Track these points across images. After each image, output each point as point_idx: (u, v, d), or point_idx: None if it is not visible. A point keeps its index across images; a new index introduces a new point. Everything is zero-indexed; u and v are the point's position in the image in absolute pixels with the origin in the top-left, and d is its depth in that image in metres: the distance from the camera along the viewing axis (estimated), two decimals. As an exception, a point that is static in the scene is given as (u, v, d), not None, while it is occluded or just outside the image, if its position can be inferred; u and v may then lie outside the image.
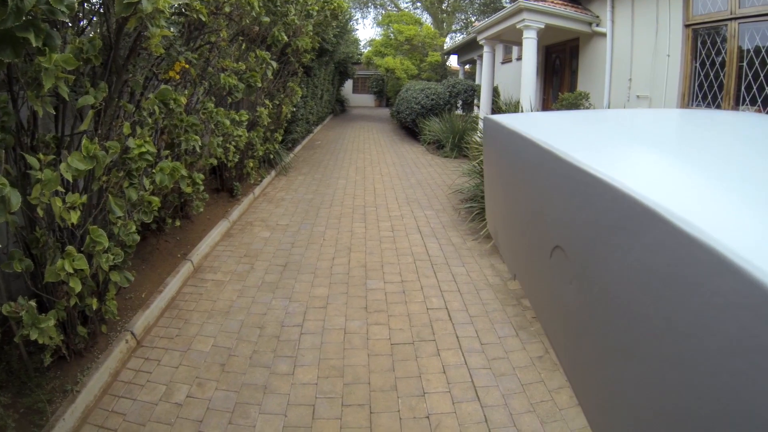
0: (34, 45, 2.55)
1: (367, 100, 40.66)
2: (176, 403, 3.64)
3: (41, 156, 3.09)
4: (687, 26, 7.94)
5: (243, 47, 7.40)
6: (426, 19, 34.78)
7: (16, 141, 3.26)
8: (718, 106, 7.14)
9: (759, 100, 6.48)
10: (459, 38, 29.22)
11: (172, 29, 4.79)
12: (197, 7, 4.58)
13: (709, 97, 7.43)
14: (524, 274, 1.03)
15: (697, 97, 7.73)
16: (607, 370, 0.63)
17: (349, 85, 37.60)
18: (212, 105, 6.23)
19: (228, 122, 6.44)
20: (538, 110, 11.66)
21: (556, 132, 1.03)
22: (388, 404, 3.69)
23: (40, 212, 3.14)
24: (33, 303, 3.15)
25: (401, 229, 7.71)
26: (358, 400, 3.71)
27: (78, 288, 3.37)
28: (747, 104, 6.67)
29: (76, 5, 2.95)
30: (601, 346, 0.64)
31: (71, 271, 3.28)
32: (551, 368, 4.22)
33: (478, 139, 8.88)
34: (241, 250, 6.53)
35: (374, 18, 44.00)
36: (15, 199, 2.66)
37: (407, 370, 4.10)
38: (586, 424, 3.57)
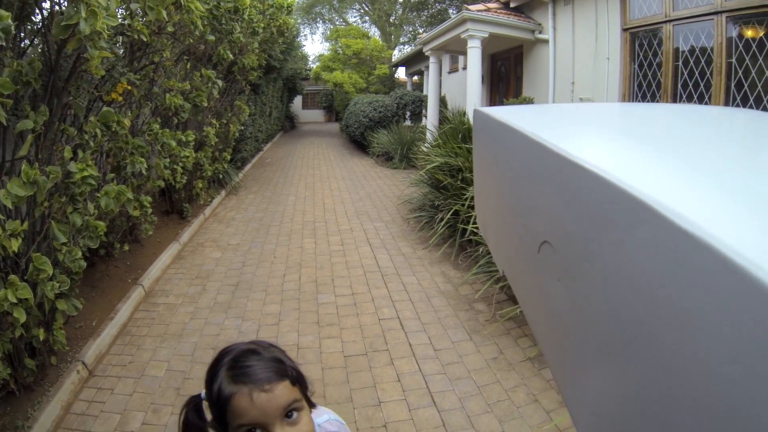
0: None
1: (316, 115, 40.33)
2: None
3: (-21, 183, 2.97)
4: (625, 30, 8.13)
5: (188, 66, 7.24)
6: (374, 32, 34.86)
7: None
8: None
9: (695, 97, 6.67)
10: (407, 50, 29.21)
11: (115, 49, 4.68)
12: (138, 27, 4.44)
13: (648, 96, 7.64)
14: (512, 270, 1.00)
15: (637, 96, 7.94)
16: (595, 370, 0.61)
17: (298, 101, 37.34)
18: (158, 126, 6.04)
19: (174, 143, 6.25)
20: None
21: (546, 124, 1.02)
22: (345, 416, 3.54)
23: (-21, 240, 3.00)
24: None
25: (351, 242, 7.66)
26: (314, 414, 3.64)
27: (23, 318, 3.18)
28: (684, 101, 6.86)
29: (12, 29, 2.84)
30: (589, 346, 0.62)
31: (15, 300, 3.11)
32: (506, 368, 4.24)
33: (425, 149, 8.89)
34: (192, 272, 6.38)
35: (322, 33, 44.04)
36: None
37: (362, 381, 4.05)
38: (545, 419, 3.64)
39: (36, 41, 3.89)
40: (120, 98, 4.73)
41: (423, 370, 4.22)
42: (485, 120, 1.11)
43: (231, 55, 8.01)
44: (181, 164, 6.96)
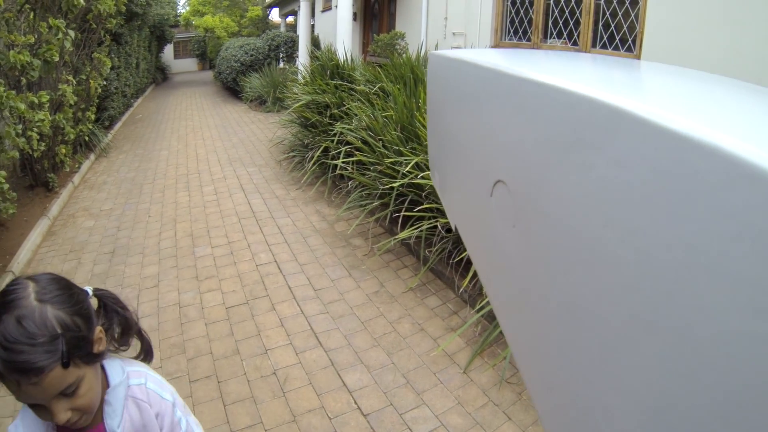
0: None
1: (189, 64, 37.75)
2: None
3: None
4: None
5: (33, 17, 6.34)
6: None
7: None
8: (528, 39, 7.39)
9: (564, 34, 6.75)
10: None
11: None
12: None
13: (520, 32, 7.62)
14: (464, 224, 0.94)
15: (509, 32, 7.90)
16: (555, 330, 0.54)
17: (169, 50, 34.30)
18: (2, 89, 5.19)
19: (24, 106, 5.41)
20: (356, 54, 11.56)
21: (505, 59, 0.91)
22: (234, 370, 3.51)
23: None
24: None
25: (225, 191, 7.39)
26: (204, 372, 3.49)
27: None
28: (554, 38, 6.95)
29: None
30: (547, 301, 0.55)
31: None
32: (389, 301, 4.25)
33: (295, 90, 8.64)
34: (66, 247, 5.87)
35: None
36: None
37: (246, 331, 3.93)
38: (433, 346, 3.65)
39: None
40: None
41: (305, 311, 4.15)
42: (440, 62, 1.06)
43: (83, 1, 7.01)
44: (36, 130, 6.18)
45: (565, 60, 1.05)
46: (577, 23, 6.47)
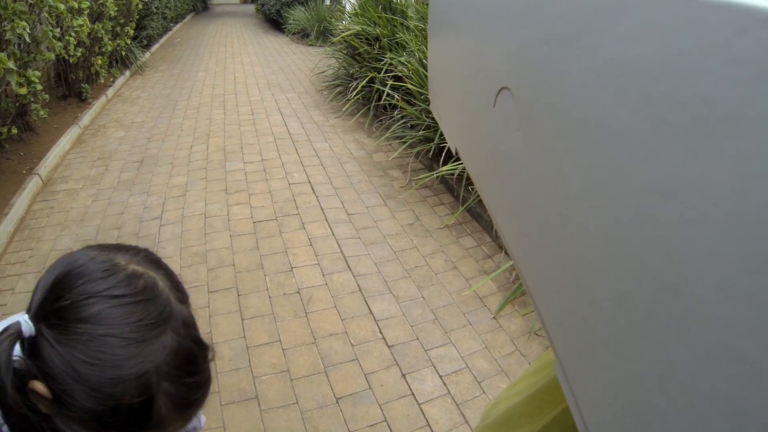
0: None
1: (231, -5, 37.70)
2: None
3: None
4: None
5: None
6: None
7: None
8: None
9: None
10: None
11: None
12: None
13: None
14: (465, 142, 0.90)
15: None
16: (563, 228, 0.50)
17: (211, -20, 34.94)
18: None
19: (63, 7, 5.31)
20: None
21: None
22: (256, 284, 3.36)
23: None
24: None
25: (261, 112, 7.22)
26: (224, 284, 3.35)
27: None
28: None
29: None
30: (555, 196, 0.51)
31: None
32: (423, 235, 4.06)
33: (344, 23, 8.44)
34: (94, 154, 5.75)
35: None
36: None
37: (272, 247, 3.77)
38: (465, 286, 3.47)
39: None
40: None
41: (336, 234, 3.99)
42: None
43: None
44: (74, 35, 6.09)
45: None
46: None
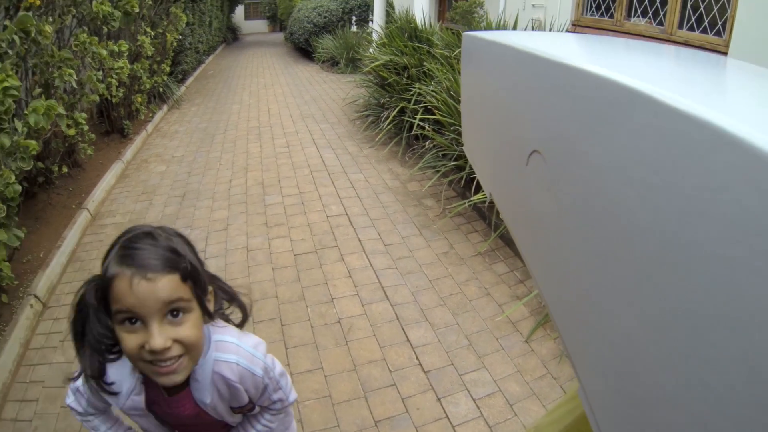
0: None
1: (260, 26, 38.45)
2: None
3: None
4: None
5: None
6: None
7: None
8: (611, 16, 7.08)
9: (650, 12, 6.40)
10: None
11: None
12: None
13: (603, 7, 7.31)
14: (499, 189, 1.00)
15: (591, 7, 7.57)
16: (586, 277, 0.60)
17: (240, 11, 35.39)
18: (85, 36, 5.51)
19: (105, 53, 5.74)
20: (433, 20, 11.41)
21: (533, 42, 0.96)
22: (298, 315, 3.56)
23: None
24: None
25: (297, 144, 7.45)
26: (268, 315, 3.56)
27: None
28: (638, 16, 6.61)
29: None
30: (579, 251, 0.62)
31: None
32: (457, 263, 4.20)
33: (371, 51, 8.67)
34: (138, 189, 6.06)
35: None
36: None
37: (313, 279, 3.97)
38: (497, 312, 3.60)
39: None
40: (38, 2, 4.32)
41: (374, 264, 4.15)
42: (475, 42, 1.13)
43: None
44: (115, 76, 6.48)
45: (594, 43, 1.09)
46: (664, 2, 6.13)
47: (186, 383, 1.28)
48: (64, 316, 3.75)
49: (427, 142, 5.85)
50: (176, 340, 1.12)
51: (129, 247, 1.12)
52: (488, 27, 7.04)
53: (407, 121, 6.50)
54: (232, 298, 1.39)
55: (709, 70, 0.79)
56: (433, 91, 5.85)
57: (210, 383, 1.29)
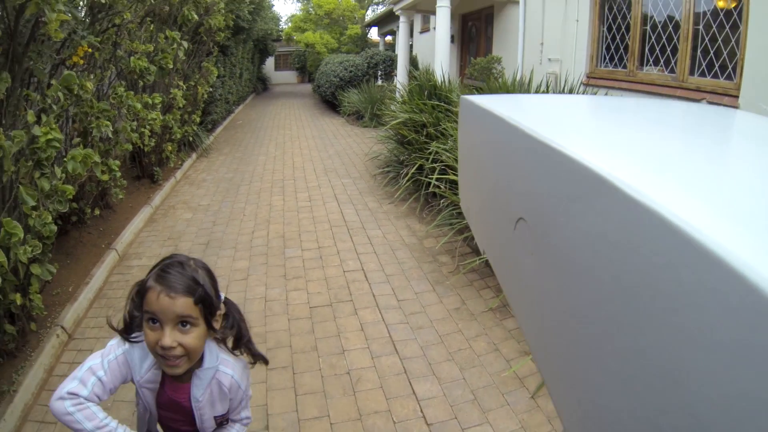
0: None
1: (289, 77, 39.63)
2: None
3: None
4: None
5: (152, 28, 7.09)
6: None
7: None
8: (624, 67, 7.34)
9: (661, 61, 6.66)
10: (380, 10, 28.13)
11: (75, 12, 4.63)
12: None
13: (616, 58, 7.60)
14: (491, 248, 1.04)
15: (605, 59, 7.90)
16: (566, 338, 0.64)
17: (270, 62, 36.44)
18: (123, 89, 5.96)
19: (140, 106, 6.21)
20: (453, 76, 11.66)
21: (525, 111, 1.08)
22: (310, 364, 3.77)
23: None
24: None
25: (319, 198, 7.75)
26: (281, 363, 3.78)
27: None
28: (650, 65, 6.88)
29: None
30: (559, 315, 0.66)
31: None
32: (468, 318, 4.36)
33: (392, 107, 8.94)
34: (164, 234, 6.43)
35: None
36: None
37: (326, 331, 4.18)
38: (505, 367, 3.75)
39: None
40: (81, 62, 4.71)
41: (386, 319, 4.35)
42: (470, 107, 1.16)
43: (196, 16, 7.92)
44: (148, 127, 6.91)
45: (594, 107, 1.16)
46: (675, 50, 6.39)
47: (190, 378, 1.76)
48: (87, 347, 4.10)
49: (443, 200, 6.08)
50: (180, 344, 1.58)
51: (164, 270, 1.61)
52: (503, 84, 7.35)
53: (425, 178, 6.73)
54: (234, 325, 1.84)
55: (699, 139, 0.84)
56: (449, 150, 6.08)
57: (207, 385, 1.77)
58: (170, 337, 1.56)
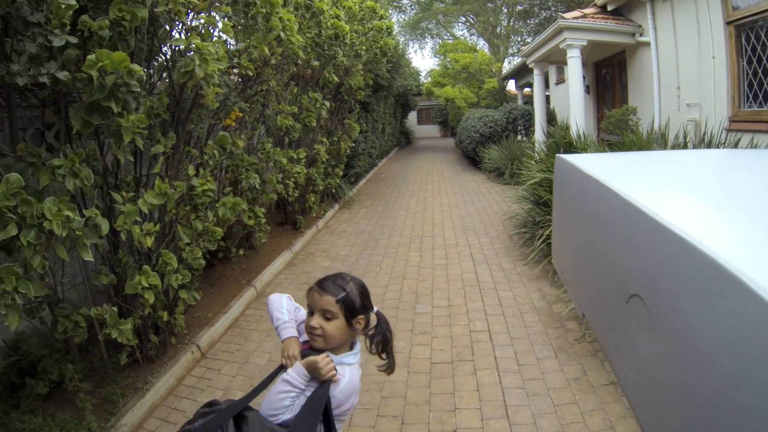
0: (115, 111, 3.20)
1: (432, 130, 40.86)
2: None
3: (123, 193, 3.90)
4: (728, 23, 7.37)
5: (296, 90, 8.04)
6: (482, 44, 34.60)
7: (103, 181, 4.04)
8: None
9: None
10: (516, 61, 28.40)
11: (228, 81, 5.44)
12: (245, 64, 5.23)
13: (761, 97, 6.94)
14: (594, 315, 1.04)
15: (748, 98, 7.22)
16: (686, 419, 0.63)
17: (413, 116, 38.00)
18: (270, 145, 6.86)
19: (285, 160, 7.04)
20: (590, 130, 11.52)
21: (632, 177, 1.03)
22: (420, 417, 3.97)
23: (123, 237, 3.91)
24: (115, 309, 3.83)
25: (455, 256, 7.95)
26: (392, 411, 4.04)
27: (151, 300, 4.04)
28: None
29: (144, 77, 3.55)
30: (678, 395, 0.65)
31: (146, 285, 3.99)
32: (587, 390, 4.26)
33: (530, 167, 9.12)
34: (302, 278, 6.98)
35: (431, 47, 43.83)
36: (104, 225, 3.37)
37: (442, 387, 4.36)
38: None
39: (164, 75, 4.68)
40: (233, 123, 5.59)
41: (503, 382, 4.43)
42: (567, 168, 1.17)
43: (336, 78, 8.81)
44: (293, 179, 7.75)
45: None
46: None
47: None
48: (216, 367, 4.83)
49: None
50: (321, 327, 2.09)
51: (325, 278, 2.20)
52: (638, 137, 7.21)
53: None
54: (380, 333, 2.32)
55: None
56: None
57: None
58: (315, 320, 2.11)
